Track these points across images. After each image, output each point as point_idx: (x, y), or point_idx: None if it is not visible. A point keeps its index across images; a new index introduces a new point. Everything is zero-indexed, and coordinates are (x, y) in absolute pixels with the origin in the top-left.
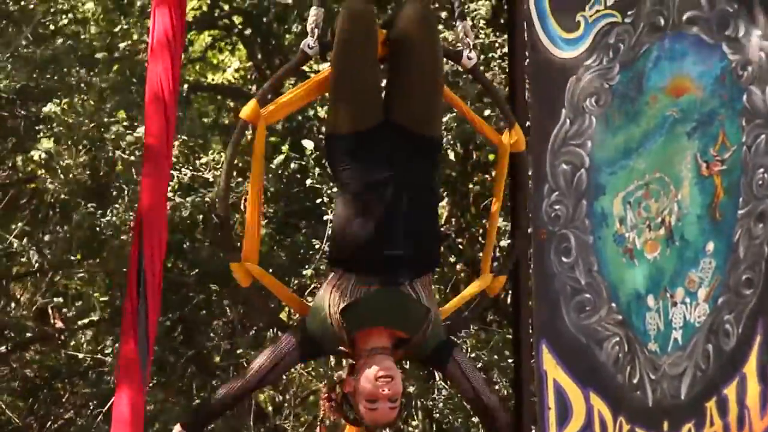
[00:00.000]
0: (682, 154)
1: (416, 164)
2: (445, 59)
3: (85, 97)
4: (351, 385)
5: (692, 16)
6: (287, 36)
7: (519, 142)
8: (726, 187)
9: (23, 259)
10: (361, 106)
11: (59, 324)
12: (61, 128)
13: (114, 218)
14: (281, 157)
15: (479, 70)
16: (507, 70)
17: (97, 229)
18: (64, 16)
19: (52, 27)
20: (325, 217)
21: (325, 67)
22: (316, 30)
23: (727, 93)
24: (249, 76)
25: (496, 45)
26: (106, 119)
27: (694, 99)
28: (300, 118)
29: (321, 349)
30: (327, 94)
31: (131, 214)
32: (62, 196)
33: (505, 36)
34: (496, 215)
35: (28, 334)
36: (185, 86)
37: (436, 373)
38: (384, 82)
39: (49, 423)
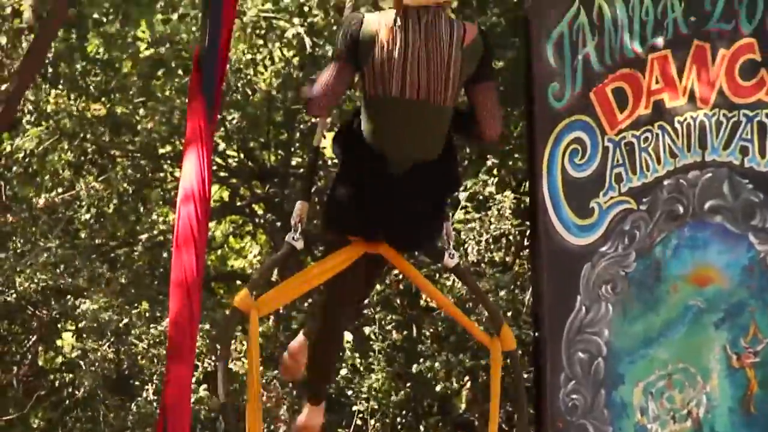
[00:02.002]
0: (709, 344)
1: None
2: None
3: (109, 292)
4: None
5: (715, 206)
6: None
7: (508, 341)
8: (760, 380)
9: None
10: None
11: None
12: (91, 324)
13: (142, 409)
14: None
15: (462, 269)
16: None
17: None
18: (86, 212)
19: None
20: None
21: None
22: (299, 225)
23: (756, 283)
24: None
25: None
26: (129, 311)
27: (720, 289)
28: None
29: None
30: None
31: (155, 405)
32: (86, 388)
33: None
34: (495, 411)
35: None
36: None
37: None
38: None
39: None
